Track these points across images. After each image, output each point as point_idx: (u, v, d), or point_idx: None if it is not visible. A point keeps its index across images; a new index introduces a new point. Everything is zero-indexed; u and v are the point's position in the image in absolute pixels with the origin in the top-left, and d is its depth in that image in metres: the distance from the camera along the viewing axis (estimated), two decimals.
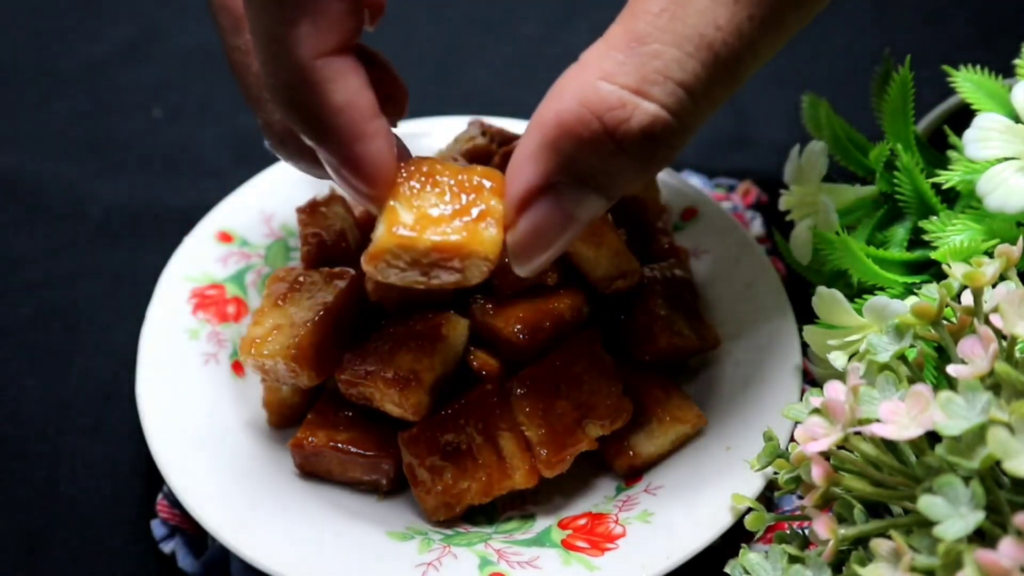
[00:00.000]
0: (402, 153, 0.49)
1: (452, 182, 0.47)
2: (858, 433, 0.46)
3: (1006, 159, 0.55)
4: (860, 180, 0.67)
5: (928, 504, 0.41)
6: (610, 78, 0.42)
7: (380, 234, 0.47)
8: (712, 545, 0.56)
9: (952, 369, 0.45)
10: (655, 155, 0.43)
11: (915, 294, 0.56)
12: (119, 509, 0.64)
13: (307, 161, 0.51)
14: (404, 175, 0.47)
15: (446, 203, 0.47)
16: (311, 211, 0.65)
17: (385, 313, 0.60)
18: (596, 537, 0.57)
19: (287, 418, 0.63)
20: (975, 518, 0.40)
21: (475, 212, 0.47)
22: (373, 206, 0.47)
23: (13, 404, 0.69)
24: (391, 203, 0.47)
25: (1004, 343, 0.46)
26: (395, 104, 0.54)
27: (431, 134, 0.74)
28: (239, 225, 0.71)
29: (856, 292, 0.59)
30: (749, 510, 0.54)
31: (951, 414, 0.43)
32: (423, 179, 0.47)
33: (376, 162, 0.46)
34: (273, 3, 0.43)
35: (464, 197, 0.47)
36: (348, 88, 0.44)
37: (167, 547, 0.61)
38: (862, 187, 0.65)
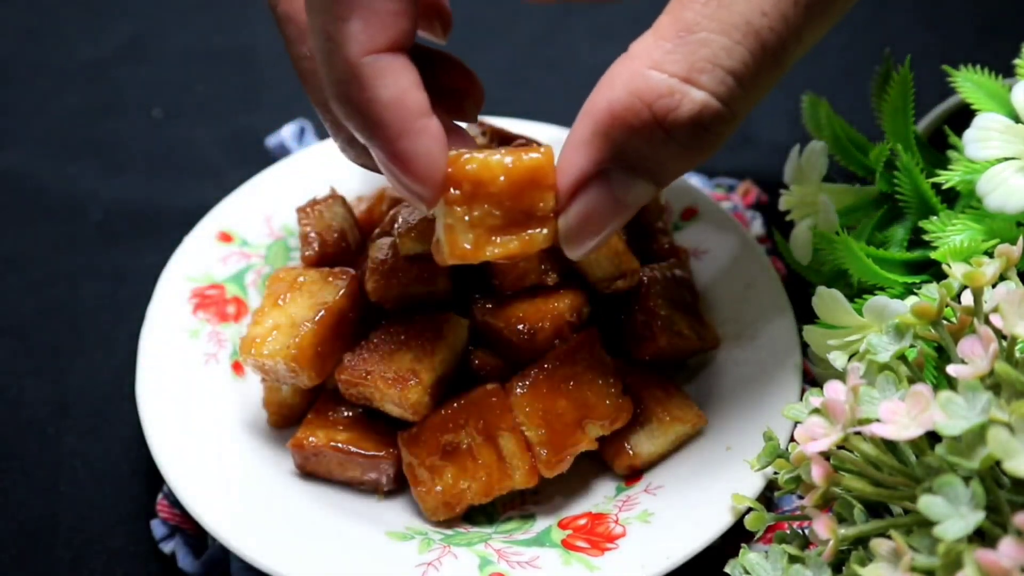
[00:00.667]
0: (467, 142, 0.51)
1: (502, 177, 0.48)
2: (858, 433, 0.46)
3: (1006, 159, 0.55)
4: (860, 180, 0.67)
5: (928, 504, 0.41)
6: (659, 67, 0.43)
7: (443, 249, 0.49)
8: (712, 545, 0.56)
9: (952, 369, 0.45)
10: (704, 142, 0.44)
11: (915, 294, 0.56)
12: (119, 509, 0.64)
13: (373, 162, 0.53)
14: (452, 174, 0.48)
15: (497, 212, 0.49)
16: (311, 211, 0.65)
17: (385, 313, 0.60)
18: (596, 537, 0.57)
19: (287, 418, 0.63)
20: (975, 518, 0.40)
21: (526, 216, 0.49)
22: (423, 204, 0.49)
23: (14, 404, 0.69)
24: (447, 221, 0.49)
25: (1004, 343, 0.46)
26: (472, 100, 0.57)
27: None
28: (239, 225, 0.71)
29: (856, 292, 0.59)
30: (749, 510, 0.54)
31: (951, 414, 0.42)
32: (472, 179, 0.48)
33: (422, 159, 0.47)
34: (327, 3, 0.45)
35: (514, 198, 0.48)
36: (397, 85, 0.46)
37: (167, 547, 0.61)
38: (862, 187, 0.65)
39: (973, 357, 0.45)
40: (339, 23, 0.45)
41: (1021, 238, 0.50)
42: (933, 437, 0.44)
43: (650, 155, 0.45)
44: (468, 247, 0.49)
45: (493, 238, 0.49)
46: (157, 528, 0.62)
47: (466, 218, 0.48)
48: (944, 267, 0.52)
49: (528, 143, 0.64)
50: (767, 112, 0.85)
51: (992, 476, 0.42)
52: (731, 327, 0.66)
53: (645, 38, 0.44)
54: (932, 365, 0.53)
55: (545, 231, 0.49)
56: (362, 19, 0.45)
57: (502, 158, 0.48)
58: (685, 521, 0.56)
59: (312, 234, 0.64)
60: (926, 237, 0.58)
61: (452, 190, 0.48)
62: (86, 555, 0.62)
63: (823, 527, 0.46)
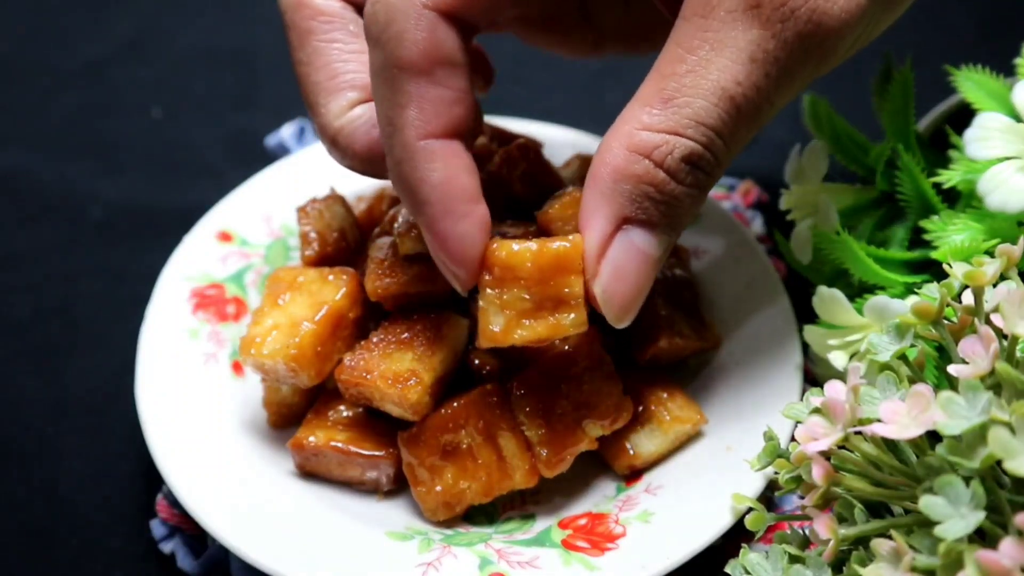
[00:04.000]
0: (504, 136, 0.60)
1: (529, 264, 0.51)
2: (859, 433, 0.46)
3: (1007, 158, 0.55)
4: (860, 180, 0.67)
5: (929, 504, 0.41)
6: (649, 128, 0.48)
7: (479, 331, 0.53)
8: (712, 545, 0.56)
9: (953, 369, 0.45)
10: (699, 180, 0.49)
11: (916, 293, 0.56)
12: (119, 509, 0.64)
13: (351, 160, 0.57)
14: (488, 263, 0.52)
15: (527, 297, 0.52)
16: (311, 210, 0.65)
17: (385, 313, 0.60)
18: (596, 537, 0.57)
19: (287, 418, 0.63)
20: (976, 518, 0.40)
21: (555, 302, 0.52)
22: (458, 284, 0.52)
23: (13, 404, 0.69)
24: (480, 304, 0.52)
25: (1005, 343, 0.46)
26: (481, 75, 0.64)
27: None
28: (239, 225, 0.71)
29: (856, 292, 0.59)
30: (749, 510, 0.54)
31: (952, 414, 0.42)
32: (502, 265, 0.51)
33: (460, 240, 0.51)
34: (389, 91, 0.50)
35: (542, 283, 0.51)
36: (447, 168, 0.50)
37: (167, 547, 0.61)
38: (862, 187, 0.65)
39: (974, 357, 0.45)
40: (398, 109, 0.50)
41: (1022, 238, 0.50)
42: (934, 437, 0.44)
43: (657, 198, 0.49)
44: (497, 330, 0.52)
45: (523, 321, 0.52)
46: (157, 528, 0.62)
47: (497, 301, 0.52)
48: (945, 267, 0.52)
49: (527, 144, 0.64)
50: None
51: (993, 476, 0.42)
52: (731, 327, 0.66)
53: (631, 107, 0.49)
54: (933, 365, 0.53)
55: (573, 315, 0.52)
56: (418, 107, 0.49)
57: (530, 245, 0.51)
58: (685, 521, 0.56)
59: (312, 234, 0.64)
60: (926, 236, 0.58)
61: (485, 275, 0.52)
62: (85, 555, 0.62)
63: (823, 527, 0.46)
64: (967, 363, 0.45)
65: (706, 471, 0.59)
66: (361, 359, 0.58)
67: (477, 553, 0.56)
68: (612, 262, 0.50)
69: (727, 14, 0.47)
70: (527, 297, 0.52)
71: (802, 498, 0.49)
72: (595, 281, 0.50)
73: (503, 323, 0.52)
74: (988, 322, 0.47)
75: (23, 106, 0.89)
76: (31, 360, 0.72)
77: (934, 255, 0.57)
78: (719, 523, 0.56)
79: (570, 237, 0.51)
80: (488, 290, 0.52)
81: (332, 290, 0.60)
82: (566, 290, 0.51)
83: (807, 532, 0.51)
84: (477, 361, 0.59)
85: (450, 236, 0.51)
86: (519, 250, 0.51)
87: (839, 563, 0.47)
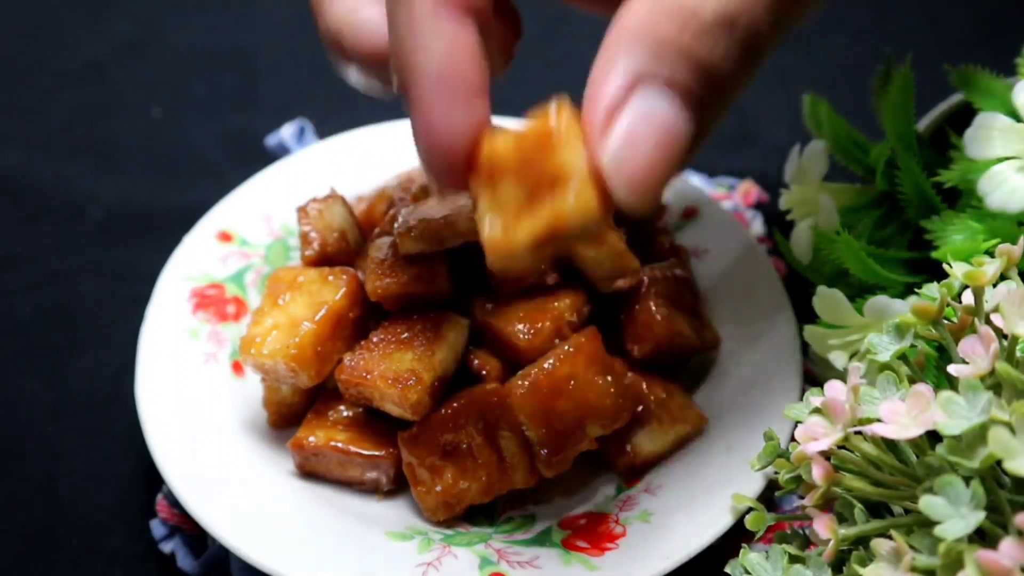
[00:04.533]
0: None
1: (513, 147, 0.42)
2: (859, 433, 0.46)
3: (1007, 158, 0.55)
4: (860, 180, 0.67)
5: (929, 504, 0.41)
6: None
7: (485, 250, 0.44)
8: (712, 545, 0.56)
9: (953, 369, 0.45)
10: (734, 36, 0.40)
11: (916, 293, 0.56)
12: (119, 509, 0.64)
13: (357, 59, 0.50)
14: (476, 164, 0.43)
15: (520, 190, 0.42)
16: (311, 210, 0.65)
17: (385, 313, 0.60)
18: (596, 537, 0.57)
19: (287, 418, 0.63)
20: (976, 518, 0.40)
21: (551, 182, 0.41)
22: (434, 182, 0.46)
23: (13, 404, 0.69)
24: (477, 216, 0.43)
25: (1005, 343, 0.46)
26: (502, 54, 0.52)
27: None
28: (239, 225, 0.71)
29: (856, 292, 0.59)
30: (750, 510, 0.54)
31: (952, 414, 0.42)
32: (490, 162, 0.43)
33: (450, 130, 0.43)
34: None
35: (532, 167, 0.42)
36: (453, 45, 0.42)
37: (167, 547, 0.61)
38: (862, 187, 0.65)
39: (974, 357, 0.45)
40: None
41: (1022, 238, 0.50)
42: (934, 437, 0.44)
43: (686, 52, 0.40)
44: (497, 235, 0.42)
45: (522, 218, 0.42)
46: (156, 528, 0.62)
47: (490, 204, 0.43)
48: (945, 267, 0.52)
49: None
50: (768, 112, 0.85)
51: (993, 476, 0.42)
52: (731, 327, 0.66)
53: None
54: (933, 365, 0.53)
55: (575, 192, 0.41)
56: None
57: (516, 128, 0.43)
58: (685, 521, 0.56)
59: (312, 234, 0.64)
60: (927, 236, 0.58)
61: (475, 180, 0.43)
62: (85, 555, 0.62)
63: (823, 527, 0.46)
64: (967, 363, 0.45)
65: (706, 471, 0.59)
66: (361, 359, 0.58)
67: (477, 553, 0.56)
68: (626, 124, 0.40)
69: None
70: (520, 188, 0.42)
71: (802, 498, 0.49)
72: (603, 148, 0.40)
73: (500, 226, 0.42)
74: (988, 322, 0.47)
75: (23, 106, 0.89)
76: (31, 360, 0.72)
77: (934, 255, 0.57)
78: (719, 523, 0.56)
79: (553, 105, 0.42)
80: (481, 196, 0.43)
81: (332, 290, 0.60)
82: (560, 163, 0.41)
83: (807, 532, 0.51)
84: (477, 361, 0.59)
85: (438, 122, 0.42)
86: (501, 136, 0.43)
87: (839, 563, 0.47)
